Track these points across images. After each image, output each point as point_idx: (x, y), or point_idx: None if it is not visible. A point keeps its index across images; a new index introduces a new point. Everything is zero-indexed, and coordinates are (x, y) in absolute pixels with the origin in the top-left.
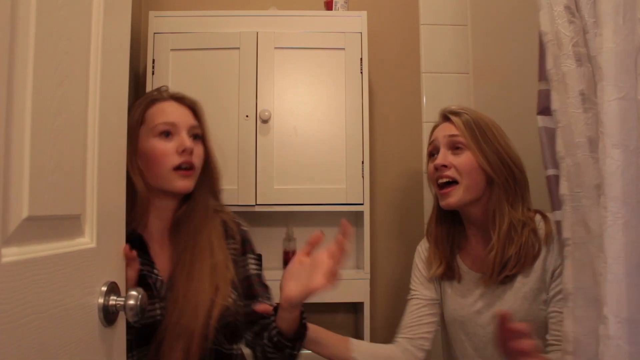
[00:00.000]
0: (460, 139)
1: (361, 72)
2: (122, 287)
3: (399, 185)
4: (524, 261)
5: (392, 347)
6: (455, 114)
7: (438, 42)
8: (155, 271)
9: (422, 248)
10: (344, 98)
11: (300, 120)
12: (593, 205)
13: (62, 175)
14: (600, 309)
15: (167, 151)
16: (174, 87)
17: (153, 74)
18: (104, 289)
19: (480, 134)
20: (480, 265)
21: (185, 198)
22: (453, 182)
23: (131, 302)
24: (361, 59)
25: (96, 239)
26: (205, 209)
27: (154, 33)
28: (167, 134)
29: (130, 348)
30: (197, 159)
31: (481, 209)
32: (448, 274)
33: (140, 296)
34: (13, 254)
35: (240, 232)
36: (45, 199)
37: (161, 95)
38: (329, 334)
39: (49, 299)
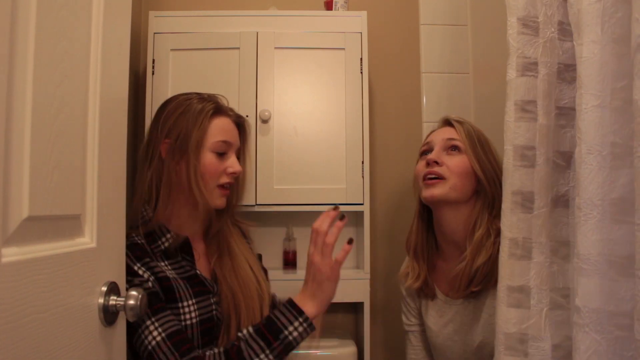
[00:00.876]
0: (459, 143)
1: (361, 72)
2: (122, 287)
3: (399, 185)
4: (491, 277)
5: None
6: (458, 122)
7: (438, 42)
8: (198, 271)
9: (402, 272)
10: (344, 98)
11: (300, 120)
12: (506, 210)
13: (62, 175)
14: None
15: (220, 170)
16: (174, 87)
17: (153, 74)
18: (104, 289)
19: (479, 143)
20: (450, 289)
21: None
22: (440, 179)
23: (131, 302)
24: (361, 59)
25: (96, 239)
26: (232, 217)
27: (154, 33)
28: (222, 153)
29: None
30: (236, 179)
31: (463, 219)
32: (425, 289)
33: (140, 296)
34: (13, 254)
35: (249, 232)
36: (45, 199)
37: (220, 108)
38: None
39: (49, 299)
